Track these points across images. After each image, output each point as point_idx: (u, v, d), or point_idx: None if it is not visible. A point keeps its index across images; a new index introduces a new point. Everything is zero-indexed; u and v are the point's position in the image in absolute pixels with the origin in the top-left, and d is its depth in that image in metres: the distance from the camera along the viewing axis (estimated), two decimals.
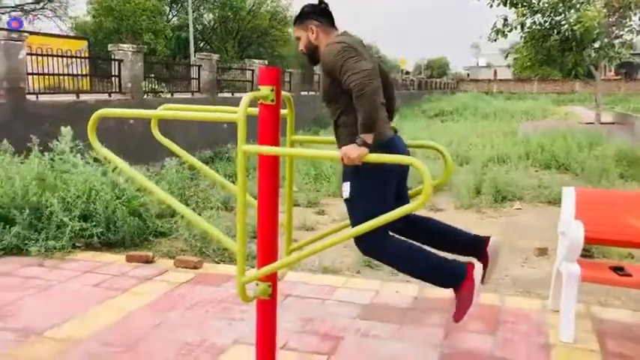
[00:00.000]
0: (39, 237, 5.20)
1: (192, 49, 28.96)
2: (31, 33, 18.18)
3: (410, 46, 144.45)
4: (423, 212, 7.50)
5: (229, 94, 15.15)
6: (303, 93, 19.24)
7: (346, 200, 2.88)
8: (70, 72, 11.63)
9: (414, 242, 2.91)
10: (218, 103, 13.44)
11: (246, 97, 2.68)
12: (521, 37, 18.01)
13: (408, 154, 2.90)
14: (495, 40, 17.28)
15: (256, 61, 16.84)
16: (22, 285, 4.40)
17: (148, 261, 5.03)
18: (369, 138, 2.58)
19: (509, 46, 28.27)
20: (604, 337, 3.57)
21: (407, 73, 46.02)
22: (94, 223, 5.48)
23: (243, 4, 40.19)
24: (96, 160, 6.57)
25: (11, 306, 3.99)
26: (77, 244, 5.37)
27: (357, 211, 2.82)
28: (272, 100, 2.81)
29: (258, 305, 3.06)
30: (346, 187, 2.85)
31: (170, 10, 39.28)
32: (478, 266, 2.94)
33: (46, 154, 6.32)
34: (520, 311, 4.00)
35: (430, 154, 10.95)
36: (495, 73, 59.61)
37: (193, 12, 36.18)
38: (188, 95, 13.17)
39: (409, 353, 3.36)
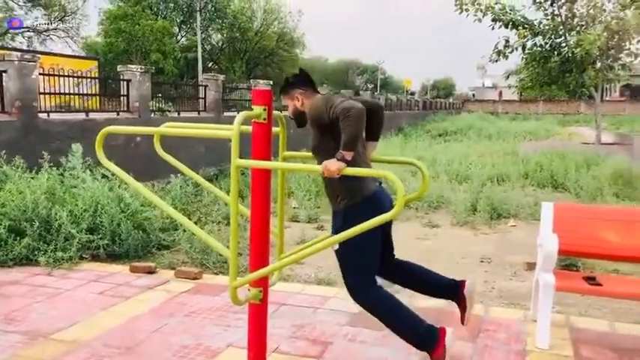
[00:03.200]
0: (48, 248, 5.45)
1: (200, 69, 29.49)
2: (42, 53, 18.66)
3: (416, 67, 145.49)
4: (420, 229, 7.76)
5: (235, 113, 15.45)
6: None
7: (336, 251, 3.12)
8: (80, 91, 11.99)
9: (398, 300, 3.14)
10: (224, 122, 13.66)
11: (239, 116, 2.95)
12: (523, 58, 18.28)
13: (390, 204, 3.12)
14: (497, 61, 17.56)
15: (261, 81, 17.20)
16: (31, 292, 4.65)
17: (151, 271, 5.27)
18: (348, 155, 2.82)
19: (515, 67, 28.67)
20: (579, 345, 3.76)
21: (412, 93, 46.48)
22: (100, 235, 5.74)
23: (251, 26, 40.91)
24: (104, 176, 6.87)
25: (20, 311, 4.23)
26: (84, 256, 5.62)
27: (345, 264, 3.09)
28: (264, 119, 3.08)
29: (250, 309, 3.30)
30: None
31: (179, 31, 39.98)
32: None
33: (55, 169, 6.62)
34: (502, 321, 4.20)
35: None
36: (501, 93, 59.93)
37: (202, 33, 36.86)
38: (194, 114, 13.51)
39: (393, 357, 3.57)
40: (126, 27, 27.69)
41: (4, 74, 8.25)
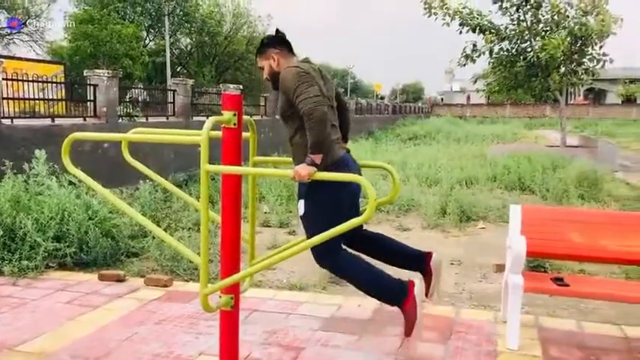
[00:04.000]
0: (12, 257, 5.32)
1: (168, 73, 29.21)
2: (5, 57, 18.24)
3: (385, 72, 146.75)
4: (391, 232, 7.80)
5: (205, 118, 15.32)
6: (278, 117, 19.52)
7: (301, 217, 3.12)
8: (46, 96, 11.76)
9: (364, 259, 3.16)
10: (193, 127, 13.62)
11: (208, 122, 2.93)
12: (490, 62, 18.58)
13: (358, 170, 3.16)
14: (465, 65, 17.83)
15: (231, 85, 17.12)
16: None
17: (120, 279, 5.19)
18: (317, 158, 2.84)
19: (483, 71, 29.10)
20: (547, 344, 3.83)
21: (382, 98, 46.86)
22: (67, 243, 5.62)
23: (220, 30, 40.67)
24: (71, 183, 6.73)
25: None
26: (51, 264, 5.50)
27: (312, 226, 3.06)
28: (234, 124, 3.07)
29: (222, 316, 3.27)
30: (301, 205, 3.11)
31: (147, 35, 39.53)
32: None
33: (20, 176, 6.46)
34: (472, 322, 4.25)
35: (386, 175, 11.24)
36: (469, 97, 60.85)
37: (170, 37, 36.53)
38: (163, 119, 13.36)
39: None
40: (93, 31, 27.26)
41: None
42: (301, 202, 3.12)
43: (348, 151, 3.28)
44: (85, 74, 11.44)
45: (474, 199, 9.66)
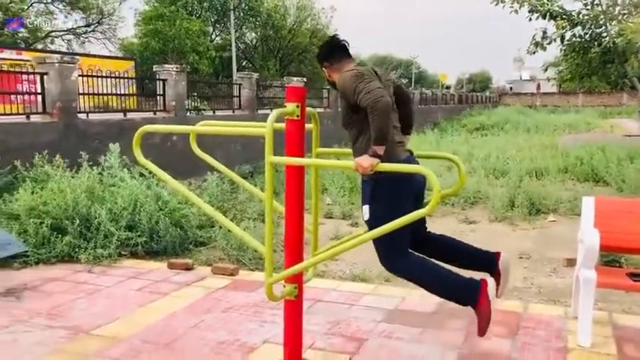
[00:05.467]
0: (88, 245, 5.58)
1: (234, 67, 29.74)
2: (81, 55, 19.07)
3: (451, 61, 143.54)
4: (457, 226, 7.66)
5: (269, 111, 15.51)
6: (340, 109, 19.52)
7: (366, 222, 3.10)
8: (118, 91, 12.23)
9: (432, 259, 3.11)
10: (258, 120, 13.83)
11: (273, 114, 2.97)
12: (561, 49, 17.83)
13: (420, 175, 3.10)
14: (534, 53, 17.09)
15: (294, 78, 17.23)
16: (73, 289, 4.76)
17: (188, 268, 5.34)
18: (380, 149, 2.81)
19: (554, 59, 27.98)
20: (622, 342, 3.66)
21: (447, 87, 45.91)
22: (139, 233, 5.84)
23: (284, 23, 40.99)
24: (141, 174, 7.00)
25: (62, 307, 4.34)
26: (123, 252, 5.73)
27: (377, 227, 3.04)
28: (297, 116, 3.09)
29: (286, 306, 3.31)
30: (365, 210, 3.09)
31: (213, 30, 40.35)
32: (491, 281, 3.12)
33: (95, 168, 6.76)
34: (541, 318, 4.11)
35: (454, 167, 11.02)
36: (539, 86, 58.71)
37: (236, 31, 37.08)
38: (229, 112, 13.62)
39: (428, 354, 3.53)
40: (161, 28, 28.09)
41: (45, 76, 8.48)
42: (365, 207, 3.10)
43: (412, 153, 3.22)
44: (154, 69, 11.82)
45: (544, 191, 9.34)
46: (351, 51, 3.37)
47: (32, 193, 6.14)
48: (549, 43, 17.41)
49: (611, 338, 3.73)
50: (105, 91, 11.33)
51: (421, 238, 3.30)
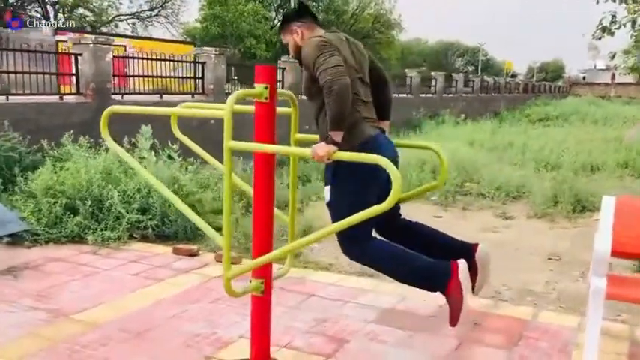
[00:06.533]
0: (98, 227, 5.55)
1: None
2: (142, 38, 19.42)
3: (522, 49, 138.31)
4: (490, 220, 7.22)
5: None
6: (393, 95, 19.03)
7: (328, 204, 2.85)
8: (177, 75, 12.27)
9: (398, 245, 2.82)
10: (300, 104, 13.59)
11: (233, 95, 2.76)
12: (632, 35, 16.67)
13: (393, 152, 2.82)
14: (600, 38, 16.06)
15: None
16: (71, 270, 4.73)
17: (192, 254, 5.22)
18: (337, 135, 2.54)
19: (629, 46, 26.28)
20: None
21: (512, 75, 44.18)
22: (150, 216, 5.77)
23: (347, 8, 40.60)
24: (170, 157, 6.96)
25: (54, 288, 4.30)
26: (135, 235, 5.68)
27: (338, 213, 2.78)
28: (265, 98, 2.85)
29: (253, 302, 3.12)
30: (327, 192, 2.84)
31: (276, 15, 40.47)
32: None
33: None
34: (550, 327, 3.73)
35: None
36: (613, 76, 55.66)
37: None
38: None
39: None
40: (220, 12, 28.34)
41: (79, 57, 8.58)
42: (327, 189, 2.85)
43: (384, 131, 2.93)
44: (195, 53, 11.82)
45: (595, 186, 8.71)
46: (417, 36, 3.09)
47: (55, 172, 6.19)
48: (618, 28, 16.31)
49: (624, 356, 3.32)
50: (164, 74, 11.39)
51: (394, 226, 3.02)
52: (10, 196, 6.11)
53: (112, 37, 9.97)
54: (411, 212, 7.53)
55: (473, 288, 2.95)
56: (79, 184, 5.84)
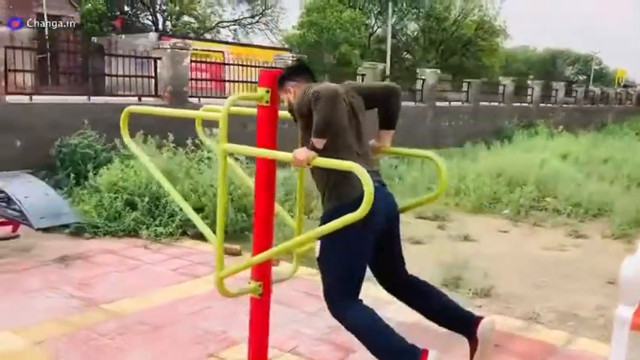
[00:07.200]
0: (152, 222, 5.81)
1: (388, 59, 29.51)
2: (241, 45, 20.09)
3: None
4: (562, 237, 6.77)
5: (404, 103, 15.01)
6: (482, 103, 18.41)
7: (317, 260, 2.76)
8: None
9: (379, 319, 2.70)
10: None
11: (231, 97, 2.80)
12: None
13: (389, 208, 2.70)
14: None
15: (427, 70, 16.55)
16: (118, 262, 4.98)
17: (235, 253, 5.32)
18: (319, 142, 2.47)
19: None
20: None
21: (624, 86, 41.08)
22: (205, 214, 5.96)
23: (448, 15, 39.79)
24: (236, 159, 7.16)
25: (95, 279, 4.55)
26: (188, 232, 5.90)
27: (327, 271, 2.72)
28: (267, 102, 2.86)
29: (251, 304, 3.13)
30: (318, 246, 2.74)
31: (375, 22, 40.44)
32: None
33: (193, 151, 7.05)
34: (581, 356, 3.45)
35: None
36: None
37: (397, 23, 36.77)
38: None
39: None
40: (317, 19, 28.74)
41: (158, 61, 9.03)
42: (318, 243, 2.73)
43: (384, 185, 2.79)
44: (274, 59, 12.07)
45: None
46: (523, 43, 2.94)
47: (121, 169, 6.55)
48: None
49: None
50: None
51: (399, 281, 2.92)
52: (80, 189, 6.55)
53: (189, 42, 10.42)
54: (477, 225, 7.32)
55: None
56: (139, 181, 6.14)
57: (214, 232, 2.95)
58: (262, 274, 3.08)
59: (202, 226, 3.13)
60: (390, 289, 2.96)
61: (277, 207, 3.20)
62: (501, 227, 7.49)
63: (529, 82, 23.26)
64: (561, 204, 8.42)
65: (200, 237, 5.83)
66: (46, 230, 5.48)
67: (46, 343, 3.37)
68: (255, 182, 3.00)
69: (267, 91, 2.85)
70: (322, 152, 2.48)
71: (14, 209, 4.98)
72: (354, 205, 2.35)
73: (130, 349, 3.36)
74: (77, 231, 5.75)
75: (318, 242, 2.75)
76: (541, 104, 21.93)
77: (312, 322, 3.83)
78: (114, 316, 3.82)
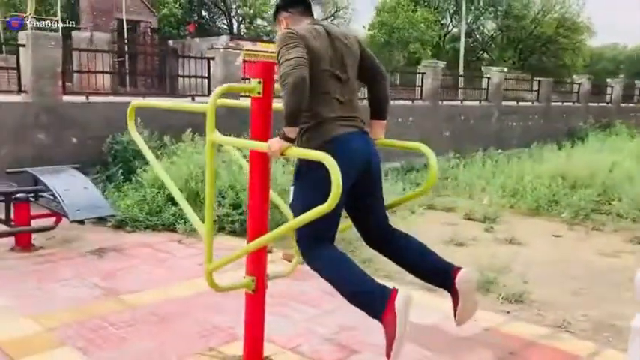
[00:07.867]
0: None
1: (461, 59, 28.85)
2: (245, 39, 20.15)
3: None
4: (618, 243, 6.35)
5: (458, 102, 14.49)
6: (554, 103, 17.56)
7: (290, 205, 2.70)
8: None
9: (353, 262, 2.58)
10: (441, 110, 13.20)
11: (219, 88, 2.77)
12: None
13: (366, 155, 2.59)
14: None
15: (493, 68, 15.92)
16: (149, 255, 5.10)
17: (290, 260, 5.31)
18: (290, 132, 2.41)
19: None
20: None
21: None
22: (240, 211, 6.01)
23: (527, 13, 38.40)
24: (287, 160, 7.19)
25: (122, 270, 4.67)
26: (226, 228, 5.96)
27: (295, 212, 2.64)
28: (258, 93, 2.82)
29: (246, 298, 3.11)
30: (291, 192, 2.69)
31: (450, 21, 39.66)
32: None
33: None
34: None
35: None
36: None
37: (473, 22, 35.84)
38: (408, 102, 13.16)
39: None
40: (388, 19, 28.50)
41: (211, 61, 9.20)
42: (291, 189, 2.71)
43: (365, 132, 2.67)
44: None
45: None
46: (611, 41, 2.86)
47: (168, 166, 6.71)
48: None
49: None
50: None
51: (385, 237, 2.78)
52: (128, 185, 6.77)
53: (241, 43, 10.56)
54: (528, 228, 6.97)
55: (454, 316, 2.62)
56: (180, 177, 6.27)
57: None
58: (256, 269, 3.05)
59: (195, 219, 3.12)
60: (377, 244, 2.82)
61: (273, 195, 3.16)
62: (555, 231, 7.10)
63: (608, 80, 21.96)
64: (625, 208, 7.88)
65: (236, 233, 5.90)
66: (93, 223, 5.72)
67: (59, 330, 3.48)
68: (249, 171, 2.96)
69: (259, 82, 2.81)
70: None
71: (57, 202, 5.20)
72: (325, 147, 2.43)
73: (133, 339, 3.40)
74: (119, 224, 5.94)
75: (292, 187, 2.72)
76: (622, 104, 20.67)
77: (325, 320, 3.76)
78: (129, 306, 3.89)
